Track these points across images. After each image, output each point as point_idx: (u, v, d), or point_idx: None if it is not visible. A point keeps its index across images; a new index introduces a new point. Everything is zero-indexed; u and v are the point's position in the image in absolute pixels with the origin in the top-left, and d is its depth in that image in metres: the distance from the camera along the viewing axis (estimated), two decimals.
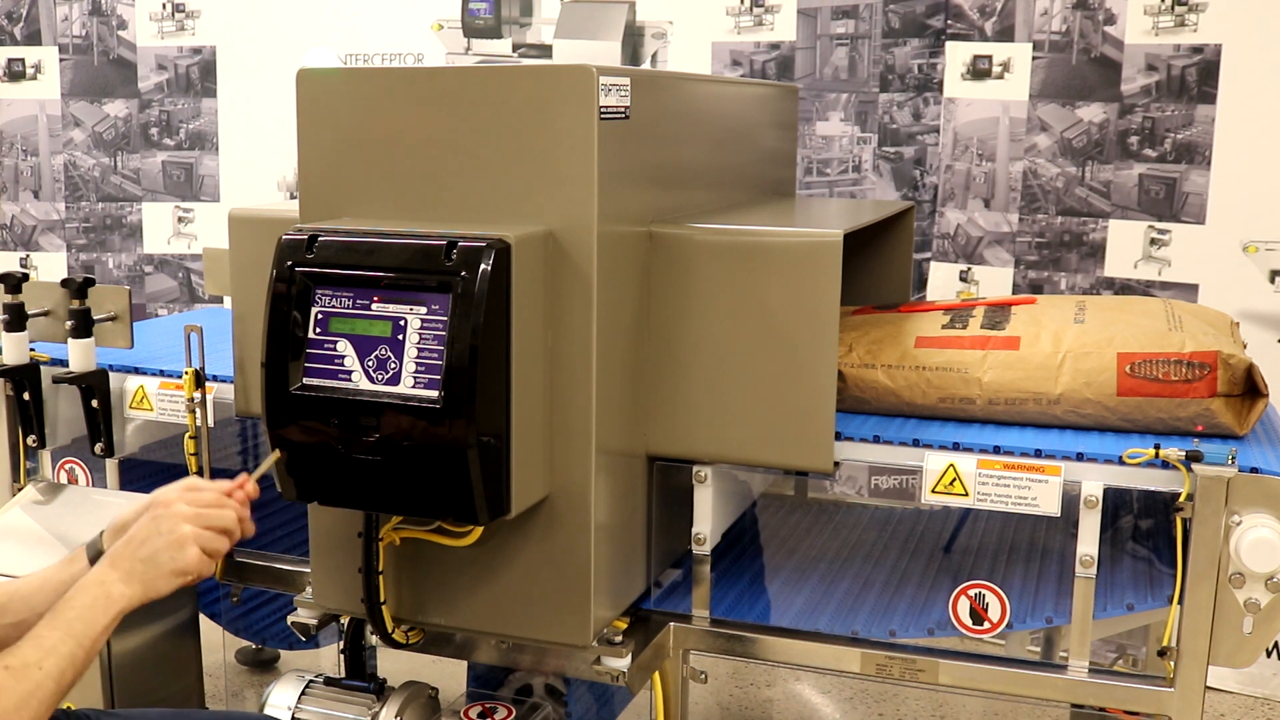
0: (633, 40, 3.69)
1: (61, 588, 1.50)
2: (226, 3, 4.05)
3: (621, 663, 1.86)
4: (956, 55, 3.52)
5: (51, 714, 1.38)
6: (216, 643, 2.96)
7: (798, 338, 1.83)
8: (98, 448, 2.38)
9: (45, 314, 2.41)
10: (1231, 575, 1.78)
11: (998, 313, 2.14)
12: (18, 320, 2.35)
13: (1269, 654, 3.28)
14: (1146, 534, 2.16)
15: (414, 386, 1.60)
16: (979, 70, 3.50)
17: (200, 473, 2.25)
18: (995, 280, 3.56)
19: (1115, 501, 2.10)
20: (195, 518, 1.48)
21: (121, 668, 2.26)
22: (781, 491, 2.67)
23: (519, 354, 1.64)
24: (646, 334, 1.90)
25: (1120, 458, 1.83)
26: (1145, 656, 2.25)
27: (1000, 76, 3.48)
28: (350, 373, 1.64)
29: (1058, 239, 3.47)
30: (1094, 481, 1.83)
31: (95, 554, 1.55)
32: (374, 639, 2.00)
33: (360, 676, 2.10)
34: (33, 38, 4.07)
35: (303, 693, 2.04)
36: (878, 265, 2.57)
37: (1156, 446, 1.82)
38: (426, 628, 1.92)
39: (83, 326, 2.32)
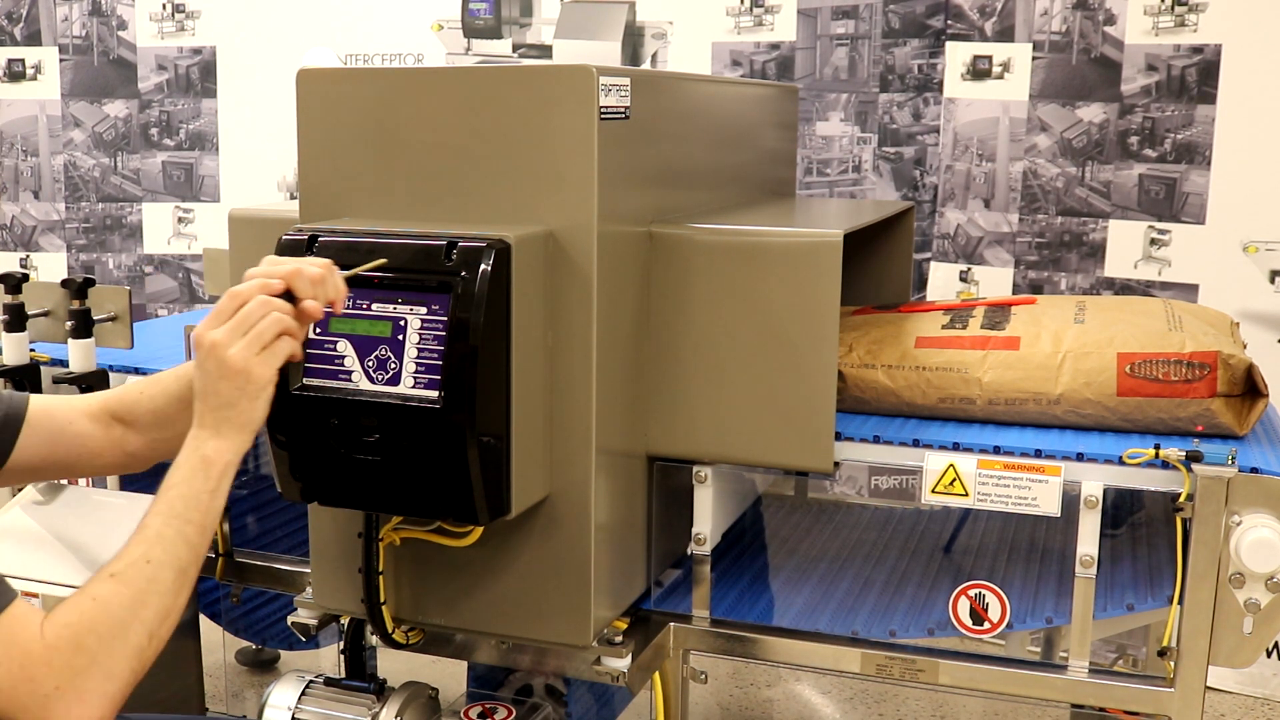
0: (633, 40, 3.69)
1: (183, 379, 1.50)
2: (226, 3, 4.05)
3: (621, 663, 1.86)
4: (956, 55, 3.52)
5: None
6: (216, 643, 2.96)
7: (798, 338, 1.83)
8: None
9: (45, 314, 2.41)
10: (1231, 575, 1.78)
11: (998, 313, 2.14)
12: (18, 320, 2.34)
13: (1269, 654, 3.28)
14: (1146, 534, 2.16)
15: (414, 387, 1.60)
16: (979, 70, 3.50)
17: None
18: (995, 280, 3.56)
19: (1115, 501, 2.10)
20: (231, 335, 1.37)
21: None
22: (781, 491, 2.66)
23: (519, 354, 1.64)
24: (646, 334, 1.90)
25: (1120, 458, 1.83)
26: (1145, 656, 2.25)
27: (1000, 77, 3.48)
28: (350, 373, 1.64)
29: (1058, 239, 3.47)
30: (1094, 481, 1.83)
31: None
32: (374, 639, 1.99)
33: (360, 677, 2.09)
34: (33, 38, 4.07)
35: (303, 693, 2.04)
36: (878, 265, 2.57)
37: (1156, 446, 1.82)
38: (426, 628, 1.92)
39: (83, 327, 2.32)
